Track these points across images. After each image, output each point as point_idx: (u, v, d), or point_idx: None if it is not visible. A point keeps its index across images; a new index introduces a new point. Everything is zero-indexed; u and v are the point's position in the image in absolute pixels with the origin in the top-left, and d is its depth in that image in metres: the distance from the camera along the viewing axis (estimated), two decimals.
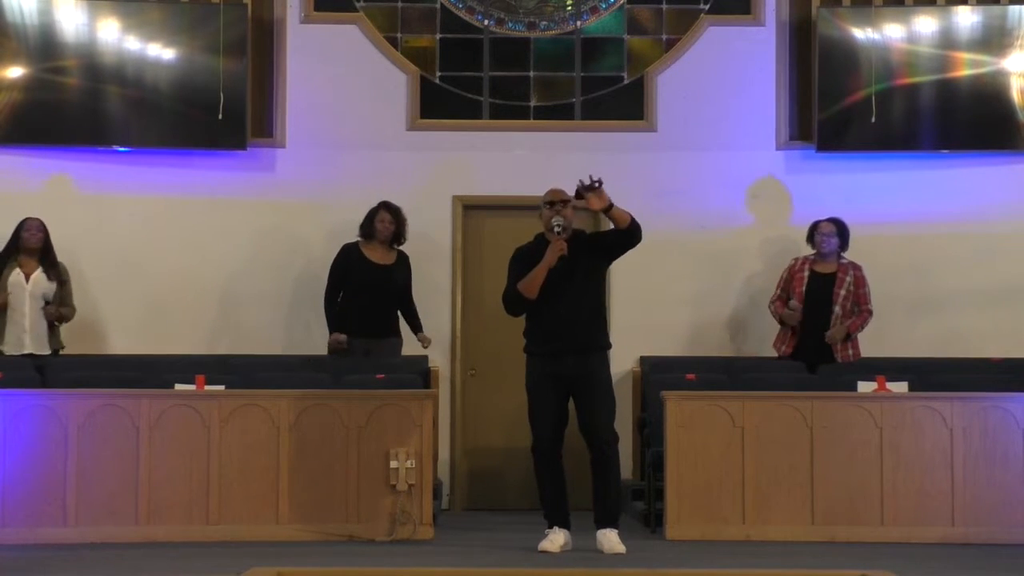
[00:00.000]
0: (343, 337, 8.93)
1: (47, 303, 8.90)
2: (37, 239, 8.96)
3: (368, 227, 9.09)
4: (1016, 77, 9.75)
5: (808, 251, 9.26)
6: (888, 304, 9.68)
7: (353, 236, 9.18)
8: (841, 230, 9.16)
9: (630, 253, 9.57)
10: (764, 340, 9.46)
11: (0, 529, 7.46)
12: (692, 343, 9.82)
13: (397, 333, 9.11)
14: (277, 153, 9.88)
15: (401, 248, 9.17)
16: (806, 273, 9.12)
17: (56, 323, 8.98)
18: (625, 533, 7.39)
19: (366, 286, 8.98)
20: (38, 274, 8.93)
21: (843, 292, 9.06)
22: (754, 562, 6.77)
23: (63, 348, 9.05)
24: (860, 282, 9.12)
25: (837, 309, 9.03)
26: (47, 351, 8.91)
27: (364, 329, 8.95)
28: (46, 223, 9.05)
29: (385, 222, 9.07)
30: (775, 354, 9.24)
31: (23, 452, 7.53)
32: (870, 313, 9.10)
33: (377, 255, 9.09)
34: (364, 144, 9.88)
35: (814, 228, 9.21)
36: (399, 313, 9.14)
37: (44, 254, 8.99)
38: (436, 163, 9.89)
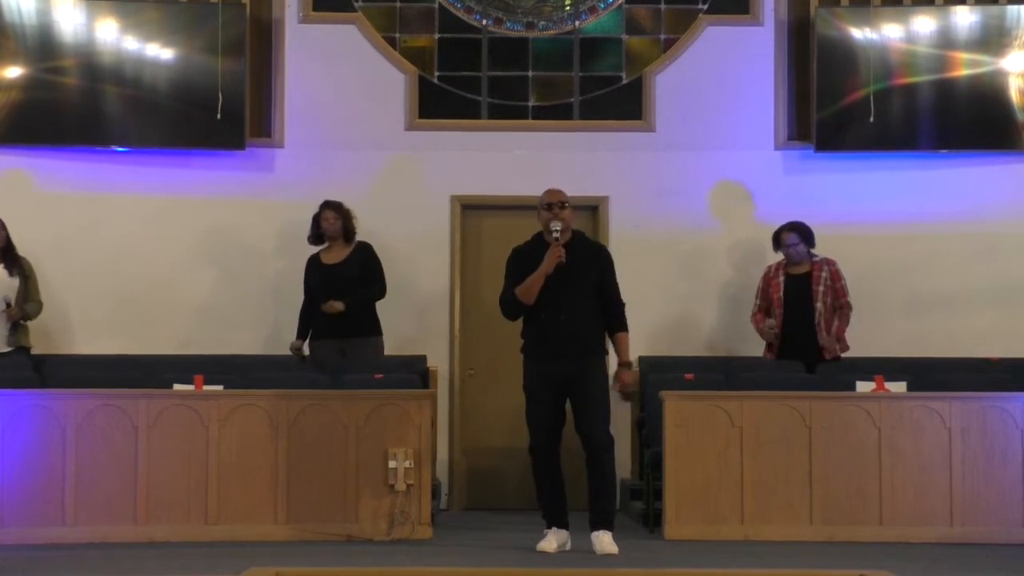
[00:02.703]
0: (299, 343, 9.06)
1: (8, 305, 8.76)
2: (0, 237, 8.89)
3: (315, 230, 9.12)
4: (1014, 77, 9.75)
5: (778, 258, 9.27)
6: (886, 304, 9.69)
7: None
8: (804, 234, 9.12)
9: (629, 252, 9.64)
10: (762, 340, 9.44)
11: None
12: (690, 343, 9.81)
13: (377, 331, 9.08)
14: (276, 153, 9.87)
15: (362, 240, 9.16)
16: (781, 278, 9.12)
17: (21, 322, 8.87)
18: (624, 533, 7.40)
19: (322, 288, 9.00)
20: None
21: (821, 288, 9.05)
22: (753, 562, 6.77)
23: (32, 347, 8.96)
24: (836, 276, 9.13)
25: (819, 306, 9.02)
26: (6, 349, 8.78)
27: (332, 330, 8.93)
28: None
29: (330, 220, 9.09)
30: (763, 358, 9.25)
31: (21, 452, 7.53)
32: (850, 307, 9.10)
33: (331, 256, 9.12)
34: (363, 144, 9.88)
35: (776, 238, 9.19)
36: (375, 310, 9.11)
37: (5, 252, 8.88)
38: (434, 163, 9.89)
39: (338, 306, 8.86)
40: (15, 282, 8.84)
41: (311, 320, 9.08)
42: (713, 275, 9.85)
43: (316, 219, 9.13)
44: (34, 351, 9.05)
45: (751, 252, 9.77)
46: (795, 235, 9.12)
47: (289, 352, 9.16)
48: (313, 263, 9.16)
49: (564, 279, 7.12)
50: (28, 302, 8.89)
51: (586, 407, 7.14)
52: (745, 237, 9.83)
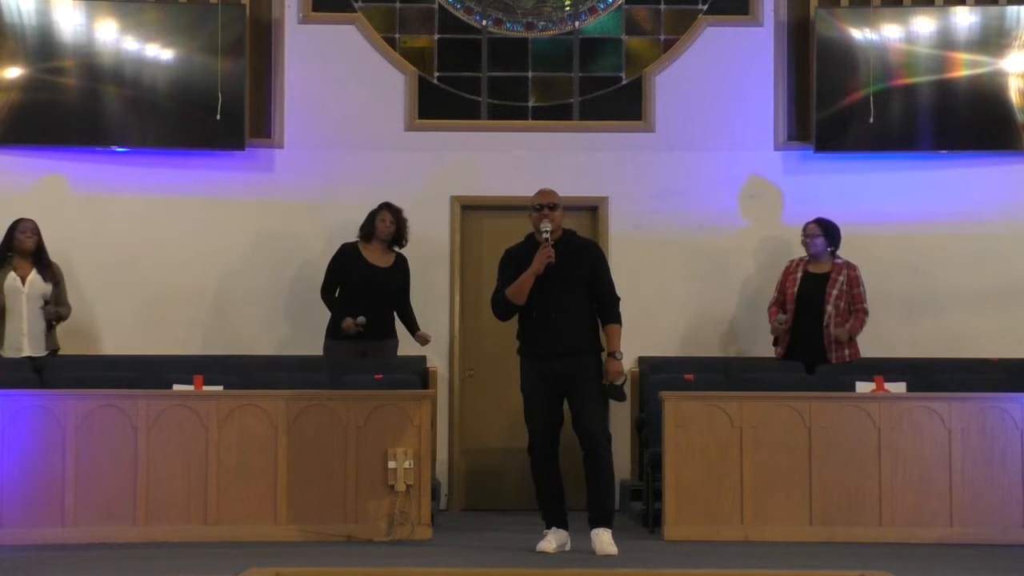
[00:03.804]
0: (362, 319, 8.79)
1: (46, 303, 8.88)
2: (32, 241, 8.92)
3: (369, 227, 9.07)
4: (1014, 78, 9.76)
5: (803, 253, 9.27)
6: (886, 304, 9.68)
7: (352, 236, 9.16)
8: (827, 230, 9.12)
9: (629, 252, 9.64)
10: (761, 340, 9.46)
11: None
12: (690, 343, 9.82)
13: (394, 334, 9.09)
14: (275, 153, 9.87)
15: (401, 251, 9.16)
16: (799, 274, 9.11)
17: (54, 323, 8.96)
18: (623, 533, 7.40)
19: (364, 287, 8.94)
20: (33, 276, 8.90)
21: (835, 292, 9.03)
22: (752, 562, 6.77)
23: (59, 349, 9.04)
24: (854, 282, 9.10)
25: (830, 309, 9.00)
26: (43, 352, 8.89)
27: (359, 333, 8.91)
28: (42, 223, 9.04)
29: (386, 222, 9.04)
30: (773, 354, 9.24)
31: (21, 453, 7.53)
32: (866, 313, 9.06)
33: (375, 256, 9.06)
34: (362, 144, 9.88)
35: (804, 231, 9.20)
36: (395, 315, 9.11)
37: (37, 256, 8.96)
38: (434, 163, 9.89)
39: (427, 337, 9.11)
40: (48, 287, 8.90)
41: (340, 313, 8.87)
42: (713, 275, 9.84)
43: (372, 216, 9.03)
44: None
45: (752, 251, 9.78)
46: (818, 228, 9.10)
47: (344, 334, 8.80)
48: (354, 257, 9.01)
49: (555, 278, 7.15)
50: (60, 305, 8.97)
51: (582, 405, 7.15)
52: (746, 237, 9.83)
